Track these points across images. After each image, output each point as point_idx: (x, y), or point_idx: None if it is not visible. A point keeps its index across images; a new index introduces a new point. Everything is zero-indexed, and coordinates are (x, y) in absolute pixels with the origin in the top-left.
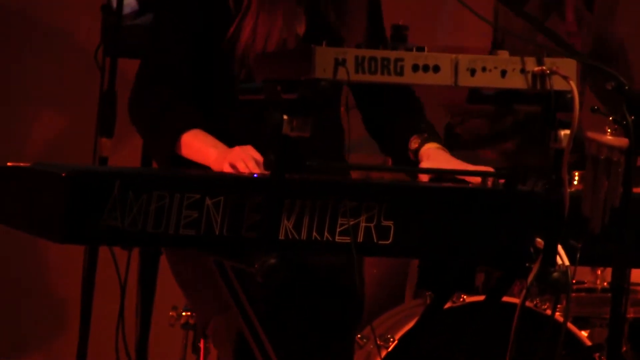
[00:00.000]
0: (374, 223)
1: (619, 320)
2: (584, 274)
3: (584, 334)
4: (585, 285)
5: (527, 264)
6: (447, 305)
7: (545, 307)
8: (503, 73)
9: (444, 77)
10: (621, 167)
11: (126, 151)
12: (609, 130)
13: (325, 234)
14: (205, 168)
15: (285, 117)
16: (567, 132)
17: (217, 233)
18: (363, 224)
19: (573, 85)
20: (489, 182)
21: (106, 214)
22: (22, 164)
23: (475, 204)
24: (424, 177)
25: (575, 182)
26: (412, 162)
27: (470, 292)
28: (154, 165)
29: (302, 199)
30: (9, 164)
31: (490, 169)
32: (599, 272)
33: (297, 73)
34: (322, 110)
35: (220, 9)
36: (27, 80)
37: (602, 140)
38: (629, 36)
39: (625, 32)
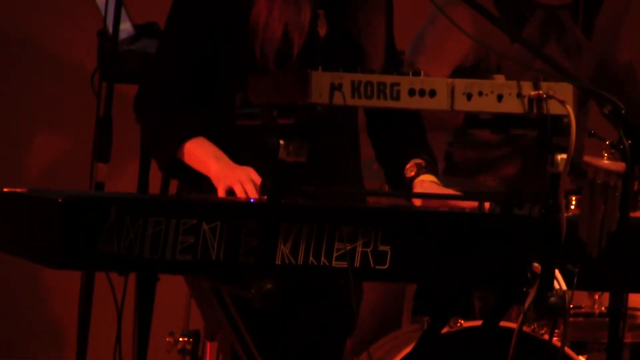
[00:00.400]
0: (371, 248)
1: (617, 345)
2: (581, 299)
3: (582, 359)
4: (583, 309)
5: (524, 289)
6: (445, 330)
7: (543, 331)
8: (499, 97)
9: (440, 102)
10: (618, 192)
11: (123, 176)
12: (606, 154)
13: (322, 258)
14: (203, 178)
15: (281, 142)
16: (564, 156)
17: (213, 258)
18: (360, 249)
19: (569, 109)
20: (486, 207)
21: (102, 239)
22: (18, 190)
23: (472, 228)
24: (417, 203)
25: (573, 207)
26: (408, 189)
27: (467, 317)
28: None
29: (299, 223)
30: (5, 189)
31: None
32: (596, 296)
33: (293, 97)
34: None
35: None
36: (23, 105)
37: (599, 164)
38: (636, 59)
39: (632, 55)
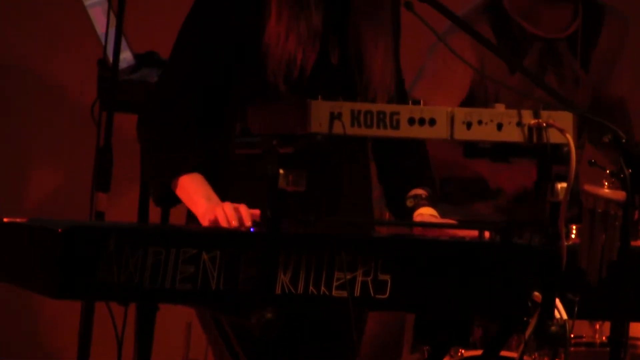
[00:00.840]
0: (371, 277)
1: None
2: (582, 328)
3: None
4: (584, 339)
5: (524, 318)
6: (445, 359)
7: None
8: (499, 126)
9: (440, 131)
10: (619, 221)
11: (123, 206)
12: (606, 183)
13: (322, 288)
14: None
15: (281, 171)
16: (564, 185)
17: (213, 288)
18: (360, 278)
19: (569, 138)
20: (486, 235)
21: (102, 269)
22: (18, 220)
23: (473, 257)
24: (418, 232)
25: (573, 236)
26: (408, 218)
27: (467, 346)
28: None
29: (299, 253)
30: (5, 219)
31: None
32: (597, 326)
33: (293, 127)
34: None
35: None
36: (23, 135)
37: (599, 193)
38: (629, 91)
39: (625, 88)
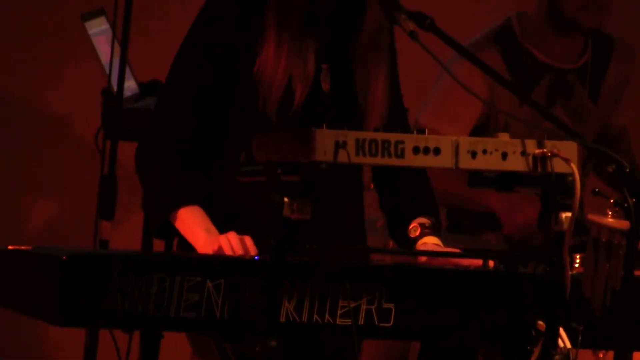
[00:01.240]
0: (375, 305)
1: None
2: (586, 357)
3: None
4: None
5: (528, 347)
6: None
7: None
8: (504, 155)
9: (445, 160)
10: (622, 250)
11: (127, 234)
12: (610, 212)
13: (326, 316)
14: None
15: (285, 199)
16: (568, 214)
17: (218, 316)
18: (364, 307)
19: (574, 167)
20: (490, 264)
21: (106, 297)
22: (22, 247)
23: (477, 286)
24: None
25: (577, 265)
26: (411, 247)
27: None
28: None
29: (303, 281)
30: (9, 247)
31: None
32: (600, 355)
33: (297, 155)
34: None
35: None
36: (27, 163)
37: (603, 222)
38: (630, 121)
39: (627, 118)
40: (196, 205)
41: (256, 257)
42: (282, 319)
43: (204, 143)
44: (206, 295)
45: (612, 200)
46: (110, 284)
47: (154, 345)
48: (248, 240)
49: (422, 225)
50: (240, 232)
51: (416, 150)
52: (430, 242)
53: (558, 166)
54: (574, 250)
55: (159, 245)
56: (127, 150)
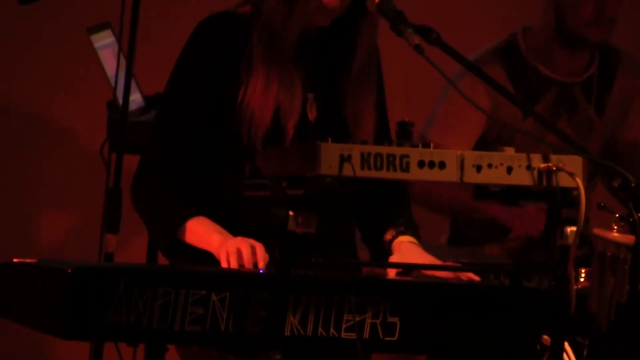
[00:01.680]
0: (380, 319)
1: None
2: None
3: None
4: None
5: None
6: None
7: None
8: (509, 169)
9: (450, 174)
10: (628, 264)
11: (132, 247)
12: (615, 227)
13: (331, 330)
14: (203, 254)
15: (290, 213)
16: (573, 228)
17: (222, 329)
18: (369, 320)
19: (579, 181)
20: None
21: (111, 310)
22: (28, 260)
23: (482, 300)
24: (392, 272)
25: (582, 279)
26: (385, 254)
27: None
28: (159, 255)
29: (308, 294)
30: (15, 260)
31: (457, 264)
32: None
33: (302, 169)
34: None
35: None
36: (32, 176)
37: (608, 237)
38: None
39: (638, 131)
40: (202, 216)
41: (261, 271)
42: (287, 333)
43: (198, 165)
44: (211, 308)
45: (617, 215)
46: (115, 297)
47: (158, 358)
48: (259, 250)
49: (396, 229)
50: None
51: (421, 164)
52: (405, 240)
53: (563, 180)
54: (579, 264)
55: (164, 258)
56: (133, 163)
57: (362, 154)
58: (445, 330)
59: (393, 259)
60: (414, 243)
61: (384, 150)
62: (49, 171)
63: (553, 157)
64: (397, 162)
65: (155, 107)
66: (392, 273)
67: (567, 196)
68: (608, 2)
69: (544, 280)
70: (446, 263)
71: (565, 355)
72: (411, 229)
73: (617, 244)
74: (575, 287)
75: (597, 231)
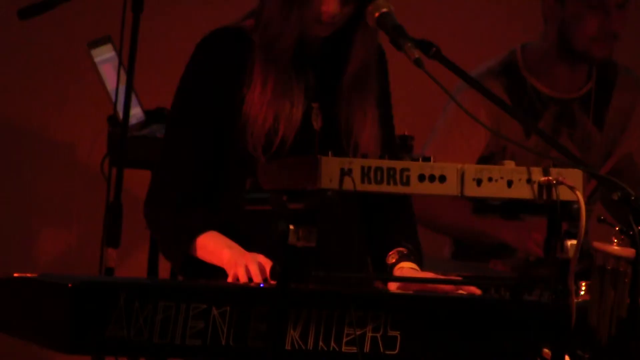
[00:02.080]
0: (381, 333)
1: None
2: None
3: None
4: None
5: None
6: None
7: None
8: (509, 183)
9: (450, 187)
10: (628, 278)
11: (133, 261)
12: (615, 240)
13: (332, 343)
14: (218, 269)
15: (291, 227)
16: (574, 242)
17: (223, 343)
18: (370, 334)
19: (579, 195)
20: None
21: (112, 324)
22: (28, 275)
23: (482, 314)
24: (393, 287)
25: (582, 293)
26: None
27: None
28: (160, 269)
29: (308, 308)
30: (15, 274)
31: (458, 278)
32: None
33: (303, 183)
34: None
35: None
36: (33, 191)
37: (608, 250)
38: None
39: (635, 144)
40: (212, 231)
41: (261, 285)
42: (288, 347)
43: (207, 183)
44: (212, 322)
45: (617, 228)
46: (115, 311)
47: None
48: (268, 267)
49: (399, 252)
50: None
51: (422, 178)
52: (407, 266)
53: (564, 194)
54: (580, 277)
55: (164, 272)
56: (133, 178)
57: (362, 168)
58: (446, 343)
59: (392, 287)
60: (415, 270)
61: (385, 164)
62: (50, 185)
63: (553, 170)
64: (398, 176)
65: (156, 122)
66: (392, 288)
67: (568, 209)
68: (613, 18)
69: (544, 293)
70: (447, 276)
71: None
72: (414, 253)
73: (617, 257)
74: (575, 300)
75: (597, 244)
